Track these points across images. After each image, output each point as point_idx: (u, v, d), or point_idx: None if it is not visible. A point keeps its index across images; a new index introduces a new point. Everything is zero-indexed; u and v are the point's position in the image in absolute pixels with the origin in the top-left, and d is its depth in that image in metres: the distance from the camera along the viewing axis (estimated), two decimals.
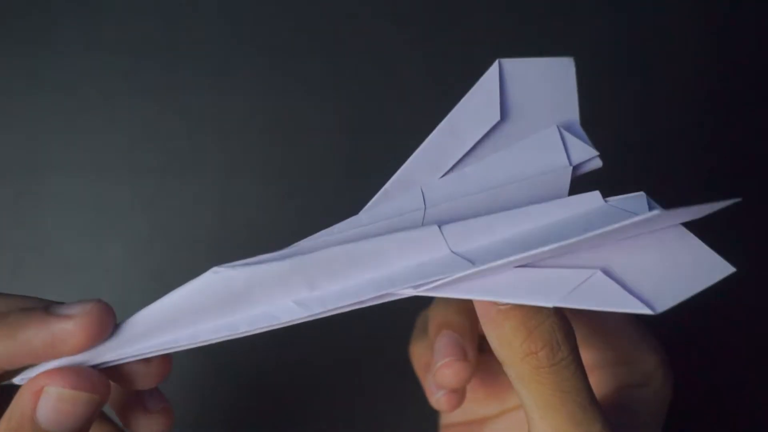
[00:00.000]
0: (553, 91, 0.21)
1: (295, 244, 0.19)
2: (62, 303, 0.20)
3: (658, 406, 0.25)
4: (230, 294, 0.18)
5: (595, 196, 0.20)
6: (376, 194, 0.20)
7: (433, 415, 0.29)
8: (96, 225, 0.34)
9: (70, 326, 0.19)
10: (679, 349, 0.34)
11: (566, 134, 0.21)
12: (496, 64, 0.21)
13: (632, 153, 0.35)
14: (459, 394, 0.26)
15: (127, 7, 0.35)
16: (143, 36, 0.35)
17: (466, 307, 0.25)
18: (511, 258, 0.17)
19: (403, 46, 0.35)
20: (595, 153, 0.21)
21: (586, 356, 0.26)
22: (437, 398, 0.26)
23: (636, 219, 0.16)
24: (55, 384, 0.18)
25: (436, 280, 0.18)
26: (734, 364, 0.35)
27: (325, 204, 0.34)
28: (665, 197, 0.20)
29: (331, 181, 0.35)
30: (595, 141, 0.22)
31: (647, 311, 0.17)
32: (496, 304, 0.19)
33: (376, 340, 0.34)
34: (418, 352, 0.28)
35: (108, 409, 0.21)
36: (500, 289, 0.18)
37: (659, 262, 0.18)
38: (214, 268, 0.19)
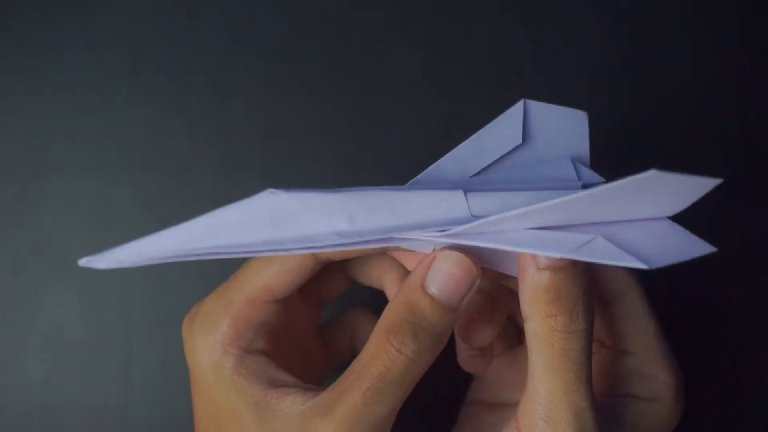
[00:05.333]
0: (568, 134, 0.24)
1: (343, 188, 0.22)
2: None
3: (662, 426, 0.25)
4: (282, 214, 0.21)
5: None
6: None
7: None
8: (96, 225, 0.34)
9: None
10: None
11: (578, 164, 0.24)
12: (521, 102, 0.24)
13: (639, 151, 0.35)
14: (483, 359, 0.27)
15: (127, 8, 0.35)
16: (143, 36, 0.35)
17: (499, 284, 0.26)
18: (519, 211, 0.19)
19: (403, 46, 0.35)
20: (602, 180, 0.24)
21: (607, 358, 0.26)
22: (462, 357, 0.27)
23: (621, 182, 0.18)
24: (447, 252, 0.21)
25: (456, 230, 0.20)
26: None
27: None
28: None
29: (331, 181, 0.35)
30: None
31: (642, 266, 0.19)
32: (536, 262, 0.21)
33: None
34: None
35: None
36: (513, 241, 0.20)
37: (650, 238, 0.21)
38: (271, 189, 0.21)
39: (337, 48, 0.35)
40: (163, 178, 0.34)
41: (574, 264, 0.21)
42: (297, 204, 0.21)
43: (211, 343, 0.23)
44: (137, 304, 0.34)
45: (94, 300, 0.34)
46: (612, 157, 0.35)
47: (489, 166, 0.23)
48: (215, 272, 0.34)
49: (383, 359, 0.21)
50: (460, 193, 0.21)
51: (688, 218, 0.22)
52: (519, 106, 0.24)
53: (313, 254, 0.24)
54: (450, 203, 0.21)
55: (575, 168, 0.24)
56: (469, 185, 0.22)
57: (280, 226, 0.21)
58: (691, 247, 0.21)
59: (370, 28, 0.35)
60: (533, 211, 0.19)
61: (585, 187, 0.23)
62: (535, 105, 0.24)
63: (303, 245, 0.20)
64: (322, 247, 0.21)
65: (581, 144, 0.24)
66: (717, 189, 0.36)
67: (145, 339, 0.34)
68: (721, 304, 0.35)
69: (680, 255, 0.20)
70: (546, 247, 0.20)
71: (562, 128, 0.24)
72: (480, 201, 0.22)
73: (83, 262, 0.20)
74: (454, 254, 0.21)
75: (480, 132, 0.23)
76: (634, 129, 0.35)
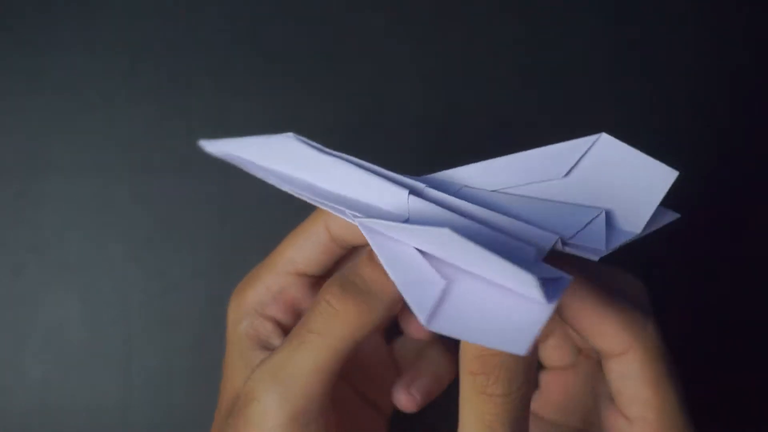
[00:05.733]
0: (636, 188, 0.20)
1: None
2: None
3: (647, 371, 0.23)
4: (282, 153, 0.24)
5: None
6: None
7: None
8: (96, 225, 0.34)
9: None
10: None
11: (600, 220, 0.20)
12: (597, 135, 0.21)
13: None
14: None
15: (127, 7, 0.35)
16: (143, 36, 0.35)
17: None
18: (395, 225, 0.19)
19: (403, 46, 0.35)
20: (601, 250, 0.20)
21: (609, 411, 0.24)
22: None
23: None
24: None
25: (363, 220, 0.21)
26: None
27: None
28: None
29: None
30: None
31: (421, 319, 0.17)
32: None
33: None
34: None
35: None
36: (387, 252, 0.20)
37: (479, 306, 0.18)
38: (291, 134, 0.24)
39: (337, 48, 0.35)
40: (163, 178, 0.35)
41: None
42: (296, 150, 0.24)
43: (235, 304, 0.26)
44: (137, 304, 0.34)
45: (94, 300, 0.34)
46: None
47: (516, 186, 0.21)
48: (215, 272, 0.34)
49: (312, 310, 0.22)
50: (404, 193, 0.21)
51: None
52: (590, 138, 0.21)
53: (329, 234, 0.25)
54: (393, 198, 0.22)
55: (588, 222, 0.20)
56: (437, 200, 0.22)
57: (278, 161, 0.24)
58: (496, 336, 0.17)
59: (370, 28, 0.35)
60: (410, 233, 0.19)
61: (564, 245, 0.20)
62: (611, 142, 0.20)
63: (281, 180, 0.23)
64: (295, 191, 0.23)
65: (646, 204, 0.20)
66: (717, 189, 0.36)
67: (145, 339, 0.34)
68: (721, 305, 0.35)
69: (469, 334, 0.17)
70: (396, 268, 0.19)
71: (633, 178, 0.20)
72: (423, 207, 0.21)
73: (202, 143, 0.27)
74: None
75: (527, 152, 0.21)
76: (634, 129, 0.35)
